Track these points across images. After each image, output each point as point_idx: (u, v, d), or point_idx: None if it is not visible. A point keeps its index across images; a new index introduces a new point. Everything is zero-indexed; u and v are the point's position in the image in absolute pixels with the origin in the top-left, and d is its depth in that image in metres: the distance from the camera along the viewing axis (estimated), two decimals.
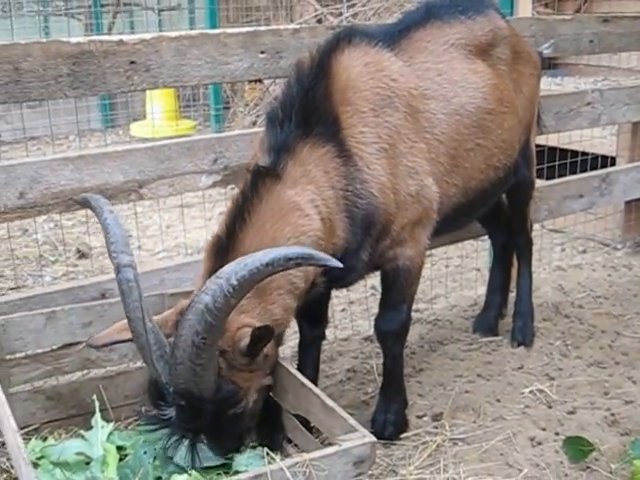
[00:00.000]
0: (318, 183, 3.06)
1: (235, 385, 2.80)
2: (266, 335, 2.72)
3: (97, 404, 3.18)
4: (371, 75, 3.30)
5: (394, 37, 3.55)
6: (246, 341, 2.73)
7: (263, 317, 2.87)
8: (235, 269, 2.46)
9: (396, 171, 3.28)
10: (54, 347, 3.35)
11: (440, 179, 3.48)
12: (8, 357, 3.25)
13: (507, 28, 3.99)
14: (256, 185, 2.95)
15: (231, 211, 2.96)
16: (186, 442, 2.81)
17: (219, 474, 2.91)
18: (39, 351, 3.32)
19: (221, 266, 2.57)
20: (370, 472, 2.95)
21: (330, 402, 2.78)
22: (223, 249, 2.86)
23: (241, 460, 2.92)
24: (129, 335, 2.73)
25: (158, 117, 9.81)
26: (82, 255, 6.11)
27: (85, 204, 3.00)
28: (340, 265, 2.48)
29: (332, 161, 3.10)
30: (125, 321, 2.74)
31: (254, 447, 3.02)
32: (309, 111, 3.11)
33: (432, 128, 3.46)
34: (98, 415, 3.15)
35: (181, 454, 2.89)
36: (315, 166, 3.07)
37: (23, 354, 3.30)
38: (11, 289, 5.45)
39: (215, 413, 2.75)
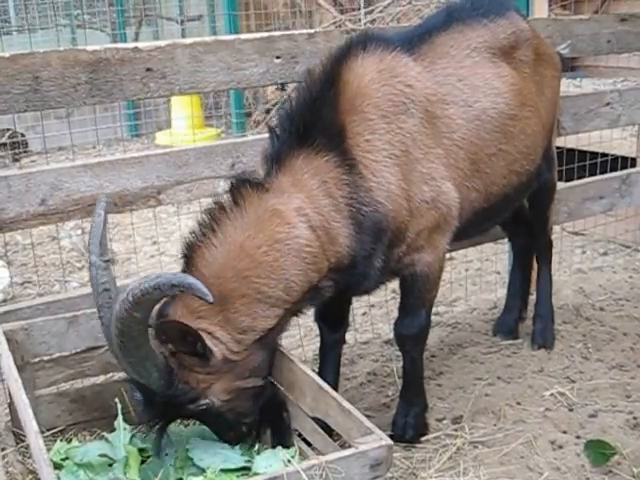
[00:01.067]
0: (311, 192, 3.02)
1: (188, 385, 2.85)
2: (178, 337, 2.77)
3: (119, 407, 3.18)
4: (384, 82, 3.25)
5: (414, 42, 3.50)
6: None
7: (225, 324, 2.88)
8: (132, 288, 2.57)
9: (410, 177, 3.24)
10: (77, 350, 3.35)
11: (460, 184, 3.44)
12: (33, 360, 3.25)
13: (529, 30, 3.93)
14: (236, 194, 2.96)
15: (201, 219, 2.99)
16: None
17: (239, 476, 2.91)
18: (63, 354, 3.33)
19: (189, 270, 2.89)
20: (390, 475, 2.93)
21: (347, 404, 2.75)
22: (185, 259, 2.96)
23: (260, 462, 2.91)
24: None
25: (182, 125, 9.85)
26: (111, 260, 6.11)
27: None
28: (210, 299, 2.54)
29: (332, 171, 3.06)
30: None
31: (273, 447, 3.02)
32: (312, 121, 3.09)
33: (451, 133, 3.41)
34: (120, 418, 3.15)
35: (200, 454, 2.95)
36: (310, 176, 3.04)
37: (47, 357, 3.30)
38: (38, 295, 5.48)
39: (172, 406, 2.85)
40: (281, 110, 3.30)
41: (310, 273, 3.01)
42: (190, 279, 2.59)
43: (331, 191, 3.05)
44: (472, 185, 3.53)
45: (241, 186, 2.97)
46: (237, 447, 3.05)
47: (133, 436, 3.12)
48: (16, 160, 9.47)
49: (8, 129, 9.65)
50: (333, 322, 3.69)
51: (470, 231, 3.77)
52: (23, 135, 10.04)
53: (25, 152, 9.87)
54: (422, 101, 3.34)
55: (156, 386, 2.78)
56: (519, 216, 4.44)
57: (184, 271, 2.91)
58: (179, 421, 3.18)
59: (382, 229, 3.15)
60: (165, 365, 2.79)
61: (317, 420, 2.97)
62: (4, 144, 9.64)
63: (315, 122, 3.09)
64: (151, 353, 2.73)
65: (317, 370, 3.72)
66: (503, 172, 3.68)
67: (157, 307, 2.80)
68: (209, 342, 2.83)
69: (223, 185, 3.63)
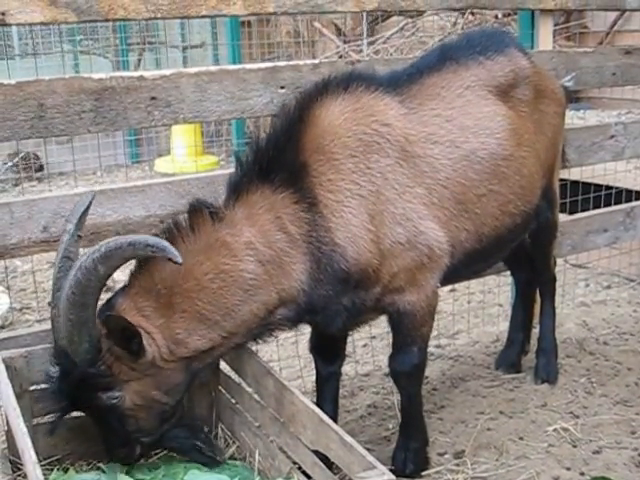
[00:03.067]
0: (263, 227, 3.07)
1: (109, 369, 2.90)
2: (119, 329, 2.83)
3: None
4: (358, 121, 3.26)
5: (403, 82, 3.52)
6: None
7: (164, 330, 2.95)
8: (107, 241, 2.75)
9: (380, 218, 3.22)
10: None
11: (447, 223, 3.42)
12: (31, 388, 3.24)
13: (530, 67, 3.92)
14: (192, 219, 3.04)
15: (160, 234, 3.04)
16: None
17: None
18: None
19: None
20: None
21: (348, 438, 2.74)
22: (135, 274, 3.02)
23: None
24: None
25: (182, 153, 9.88)
26: (108, 289, 6.11)
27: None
28: (180, 261, 2.74)
29: (289, 207, 3.10)
30: None
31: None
32: (275, 157, 3.14)
33: (435, 173, 3.40)
34: None
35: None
36: (265, 210, 3.09)
37: (45, 386, 3.29)
38: (37, 321, 5.48)
39: (83, 389, 2.88)
40: (251, 142, 3.33)
41: (254, 305, 3.06)
42: (164, 243, 2.78)
43: (285, 227, 3.09)
44: (461, 225, 3.50)
45: (199, 212, 3.05)
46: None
47: (131, 467, 3.12)
48: (16, 185, 9.50)
49: (19, 152, 9.76)
50: (328, 355, 3.69)
51: (463, 272, 3.76)
52: (37, 157, 10.09)
53: (39, 174, 9.93)
54: (400, 140, 3.33)
55: (80, 358, 2.83)
56: (521, 252, 4.44)
57: (135, 273, 3.02)
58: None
59: (342, 269, 3.14)
60: (98, 340, 2.86)
61: (317, 453, 2.97)
62: (16, 165, 9.72)
63: (278, 158, 3.15)
64: (92, 319, 2.82)
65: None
66: (495, 213, 3.65)
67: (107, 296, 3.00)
68: (145, 341, 2.90)
69: None
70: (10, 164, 9.82)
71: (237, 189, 3.12)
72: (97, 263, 2.72)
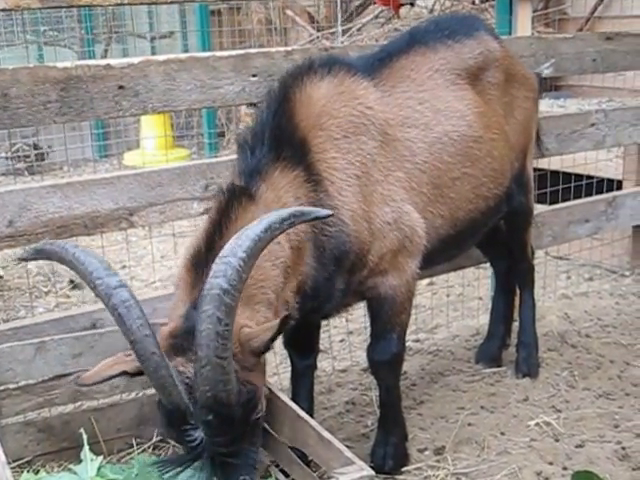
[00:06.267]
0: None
1: (252, 385, 2.76)
2: (284, 328, 2.73)
3: (85, 437, 3.19)
4: (345, 103, 3.33)
5: (375, 66, 3.57)
6: (266, 336, 2.72)
7: (252, 319, 2.85)
8: (237, 243, 2.53)
9: (371, 199, 3.29)
10: (45, 378, 3.35)
11: (424, 209, 3.49)
12: (0, 388, 3.24)
13: (499, 50, 3.99)
14: (231, 204, 2.97)
15: (208, 228, 2.97)
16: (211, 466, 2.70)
17: None
18: (30, 382, 3.32)
19: (202, 280, 2.64)
20: None
21: (327, 434, 2.76)
22: (202, 263, 2.86)
23: None
24: (121, 369, 2.75)
25: (152, 146, 9.84)
26: (75, 286, 6.13)
27: (43, 254, 2.83)
28: (330, 212, 2.75)
29: (302, 186, 3.12)
30: (115, 356, 2.80)
31: None
32: (278, 133, 3.15)
33: (413, 157, 3.47)
34: (87, 448, 3.15)
35: None
36: (285, 192, 3.09)
37: (13, 385, 3.29)
38: (3, 320, 5.45)
39: (242, 421, 2.69)
40: (251, 125, 3.32)
41: (288, 293, 3.05)
42: (297, 207, 2.84)
43: None
44: (437, 211, 3.57)
45: (237, 196, 2.99)
46: None
47: (101, 467, 3.12)
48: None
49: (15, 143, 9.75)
50: (303, 348, 3.72)
51: (437, 259, 3.80)
52: (36, 147, 10.04)
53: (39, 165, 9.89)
54: (382, 124, 3.41)
55: (234, 394, 2.63)
56: (499, 241, 4.48)
57: (198, 277, 2.85)
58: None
59: (345, 251, 3.19)
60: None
61: (294, 450, 2.98)
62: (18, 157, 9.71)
63: (280, 134, 3.16)
64: (231, 349, 2.61)
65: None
66: (469, 196, 3.72)
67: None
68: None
69: (196, 207, 3.65)
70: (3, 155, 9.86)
71: (257, 170, 3.08)
72: (242, 273, 2.51)
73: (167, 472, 2.72)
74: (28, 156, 9.82)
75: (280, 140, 3.15)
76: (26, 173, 9.72)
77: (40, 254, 2.81)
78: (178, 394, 2.60)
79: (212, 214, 3.01)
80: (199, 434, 2.63)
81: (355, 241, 3.22)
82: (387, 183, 3.36)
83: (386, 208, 3.34)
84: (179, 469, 2.72)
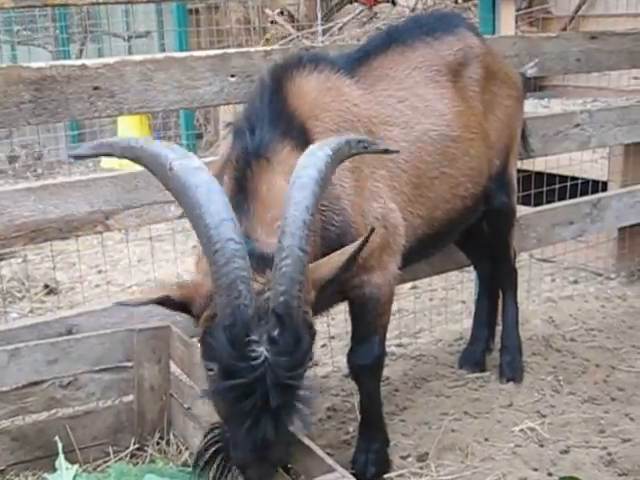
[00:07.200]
0: None
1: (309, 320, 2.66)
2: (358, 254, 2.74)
3: (60, 446, 3.18)
4: (333, 98, 3.36)
5: (354, 65, 3.59)
6: (339, 260, 2.72)
7: None
8: (325, 142, 2.67)
9: (362, 193, 3.31)
10: (18, 385, 3.32)
11: (404, 209, 3.51)
12: None
13: (480, 46, 4.01)
14: (249, 171, 2.94)
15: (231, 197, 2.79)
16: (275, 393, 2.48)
17: None
18: (3, 389, 3.30)
19: None
20: None
21: (307, 441, 2.76)
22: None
23: None
24: (165, 293, 2.60)
25: None
26: (50, 291, 6.11)
27: (102, 148, 2.72)
28: (397, 150, 3.06)
29: None
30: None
31: None
32: (278, 118, 3.13)
33: (395, 156, 3.47)
34: (61, 457, 3.14)
35: None
36: None
37: None
38: None
39: (305, 350, 2.54)
40: (243, 114, 3.28)
41: None
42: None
43: None
44: (416, 212, 3.59)
45: (253, 163, 2.96)
46: None
47: (76, 476, 3.11)
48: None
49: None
50: None
51: (414, 258, 3.80)
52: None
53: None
54: (366, 121, 3.44)
55: (300, 315, 2.52)
56: (483, 243, 4.50)
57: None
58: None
59: (348, 243, 3.14)
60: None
61: None
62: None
63: (281, 120, 3.13)
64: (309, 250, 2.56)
65: None
66: (447, 196, 3.74)
67: None
68: None
69: (174, 210, 3.64)
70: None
71: (263, 146, 3.01)
72: (330, 164, 2.59)
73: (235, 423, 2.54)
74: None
75: (282, 123, 3.12)
76: None
77: (101, 148, 2.73)
78: (249, 293, 2.43)
79: (232, 183, 2.96)
80: (263, 350, 2.43)
81: (355, 233, 3.21)
82: (374, 180, 3.38)
83: (374, 204, 3.35)
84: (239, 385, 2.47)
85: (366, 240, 2.70)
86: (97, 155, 2.80)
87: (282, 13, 10.56)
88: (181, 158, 2.50)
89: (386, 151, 2.94)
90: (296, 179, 2.52)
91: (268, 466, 2.60)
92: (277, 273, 2.46)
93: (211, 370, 2.57)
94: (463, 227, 4.10)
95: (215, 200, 2.43)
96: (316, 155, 2.57)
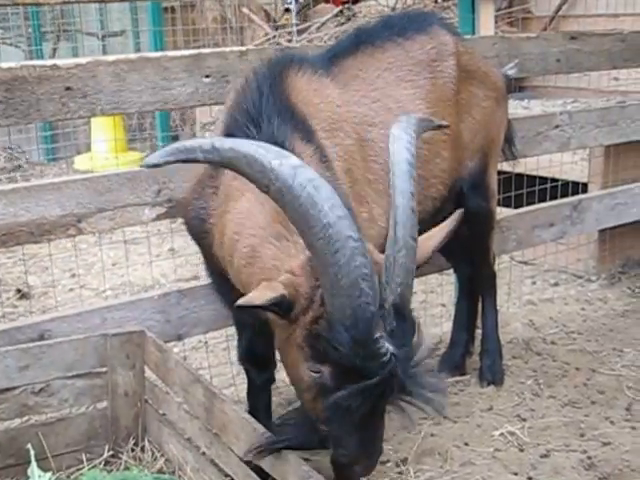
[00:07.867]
0: None
1: None
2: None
3: (33, 453, 3.16)
4: (321, 99, 3.33)
5: (328, 65, 3.58)
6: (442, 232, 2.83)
7: None
8: (402, 125, 2.72)
9: (353, 195, 3.28)
10: None
11: (381, 216, 3.44)
12: None
13: (454, 44, 3.98)
14: None
15: None
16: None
17: None
18: None
19: None
20: None
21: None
22: None
23: None
24: (280, 292, 2.53)
25: (103, 149, 9.80)
26: (22, 295, 6.07)
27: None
28: (447, 124, 3.18)
29: (319, 164, 3.02)
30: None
31: None
32: (282, 113, 3.07)
33: (377, 157, 3.47)
34: (34, 465, 3.13)
35: None
36: (310, 163, 2.87)
37: None
38: None
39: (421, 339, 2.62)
40: (236, 106, 3.22)
41: None
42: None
43: None
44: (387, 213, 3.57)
45: None
46: None
47: None
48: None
49: None
50: (260, 362, 3.67)
51: None
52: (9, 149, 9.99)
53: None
54: (349, 122, 3.43)
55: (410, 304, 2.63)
56: (463, 245, 4.49)
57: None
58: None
59: None
60: None
61: (250, 464, 2.98)
62: None
63: (284, 112, 3.09)
64: None
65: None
66: (419, 198, 3.71)
67: None
68: None
69: (148, 213, 3.64)
70: None
71: (274, 141, 2.79)
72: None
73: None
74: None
75: (290, 116, 3.07)
76: None
77: (179, 155, 2.49)
78: (371, 290, 2.43)
79: None
80: (388, 346, 2.45)
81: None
82: (361, 183, 3.37)
83: (361, 207, 3.32)
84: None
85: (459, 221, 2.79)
86: (175, 162, 2.50)
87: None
88: (279, 157, 2.43)
89: (440, 127, 3.04)
90: (395, 166, 2.54)
91: (375, 459, 2.72)
92: (394, 265, 2.48)
93: (318, 373, 2.56)
94: (431, 229, 4.07)
95: (328, 197, 2.41)
96: (404, 139, 2.60)
